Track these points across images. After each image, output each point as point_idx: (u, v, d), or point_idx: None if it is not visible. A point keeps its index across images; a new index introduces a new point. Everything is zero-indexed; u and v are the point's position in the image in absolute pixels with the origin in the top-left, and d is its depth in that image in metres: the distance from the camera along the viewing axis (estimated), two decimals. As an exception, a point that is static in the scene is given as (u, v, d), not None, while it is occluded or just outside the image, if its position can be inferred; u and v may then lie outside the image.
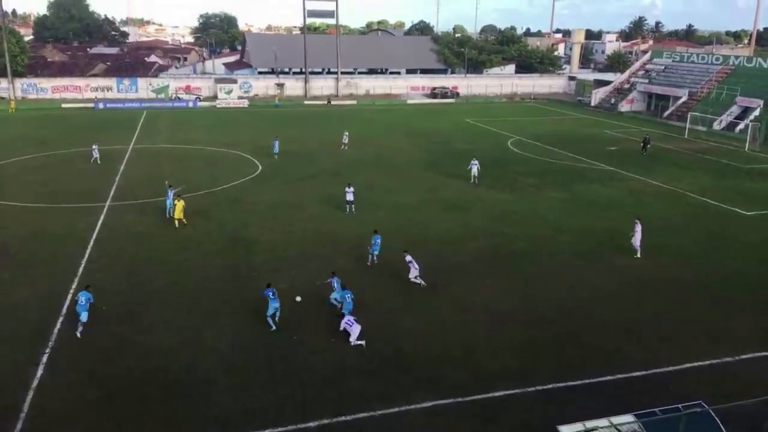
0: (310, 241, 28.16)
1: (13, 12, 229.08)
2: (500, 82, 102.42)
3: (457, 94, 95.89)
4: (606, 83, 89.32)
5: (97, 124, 61.46)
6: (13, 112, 69.17)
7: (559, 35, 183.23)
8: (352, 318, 18.89)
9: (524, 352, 18.89)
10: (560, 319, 20.97)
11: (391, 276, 23.72)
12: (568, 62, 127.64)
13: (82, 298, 19.30)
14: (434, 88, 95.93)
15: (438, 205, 34.42)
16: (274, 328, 19.61)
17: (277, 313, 19.72)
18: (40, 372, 17.06)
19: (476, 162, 39.80)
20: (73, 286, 22.49)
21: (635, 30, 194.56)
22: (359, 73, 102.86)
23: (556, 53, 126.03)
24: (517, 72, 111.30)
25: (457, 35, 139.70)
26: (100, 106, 75.83)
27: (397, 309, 21.59)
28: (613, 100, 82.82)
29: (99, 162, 42.71)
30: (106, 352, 18.27)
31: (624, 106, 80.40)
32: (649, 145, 50.96)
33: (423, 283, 22.94)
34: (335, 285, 20.98)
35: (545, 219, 32.29)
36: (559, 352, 18.91)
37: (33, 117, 66.64)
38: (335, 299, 20.88)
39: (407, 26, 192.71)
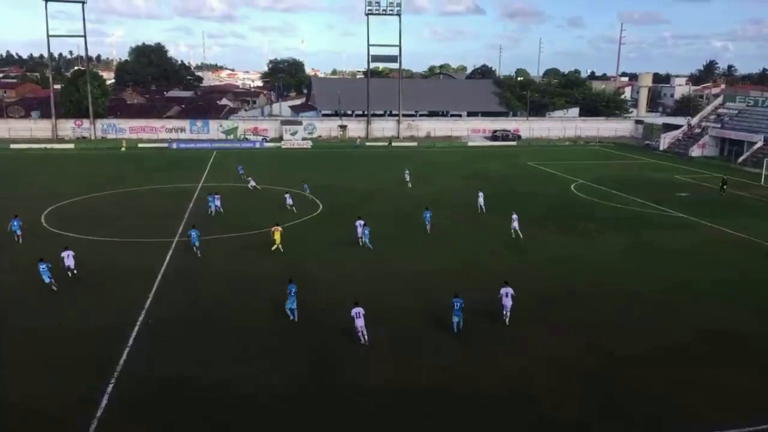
0: (368, 281, 28.21)
1: (98, 57, 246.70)
2: (563, 125, 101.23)
3: (519, 136, 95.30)
4: (675, 127, 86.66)
5: (170, 163, 64.54)
6: (124, 151, 74.00)
7: (626, 78, 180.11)
8: (359, 310, 21.35)
9: (586, 406, 17.99)
10: (624, 372, 19.92)
11: (444, 322, 23.29)
12: (635, 106, 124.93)
13: (193, 233, 31.00)
14: (495, 131, 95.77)
15: (497, 246, 33.91)
16: (292, 317, 23.03)
17: (294, 307, 23.12)
18: (104, 401, 17.56)
19: (481, 194, 43.24)
20: (140, 318, 23.27)
21: (706, 73, 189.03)
22: (420, 115, 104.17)
23: (622, 96, 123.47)
24: (581, 115, 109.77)
25: (519, 78, 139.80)
26: (174, 146, 79.74)
27: (450, 349, 21.19)
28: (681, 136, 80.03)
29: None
30: (166, 383, 18.69)
31: (695, 151, 77.56)
32: (726, 186, 49.41)
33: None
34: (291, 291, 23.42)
35: (609, 265, 31.18)
36: (621, 409, 17.90)
37: (115, 155, 70.76)
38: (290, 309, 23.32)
39: (469, 70, 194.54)
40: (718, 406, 17.96)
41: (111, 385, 18.41)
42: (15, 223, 34.13)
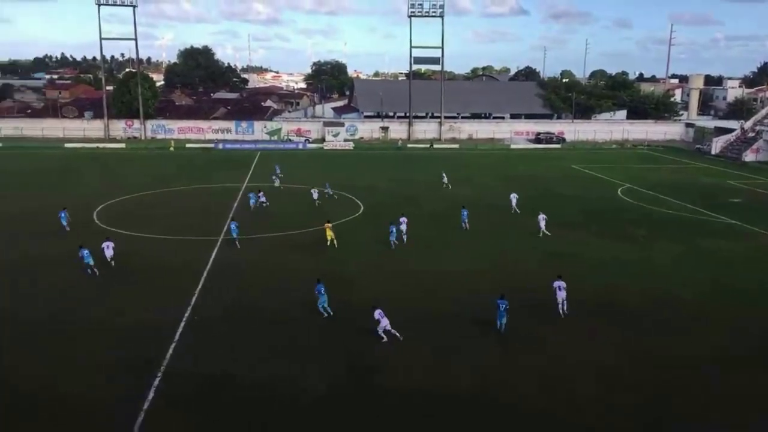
0: (405, 282, 28.15)
1: (148, 59, 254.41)
2: (610, 127, 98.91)
3: (563, 139, 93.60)
4: (728, 131, 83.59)
5: (216, 163, 65.90)
6: (172, 151, 75.91)
7: (675, 81, 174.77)
8: (380, 311, 21.63)
9: (630, 416, 17.47)
10: (674, 381, 19.26)
11: (484, 324, 23.03)
12: (685, 108, 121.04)
13: (233, 225, 32.97)
14: (539, 133, 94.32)
15: (538, 251, 33.36)
16: (326, 315, 23.50)
17: (326, 305, 23.68)
18: (151, 395, 18.01)
19: (514, 196, 43.42)
20: (186, 315, 23.80)
21: (760, 76, 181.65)
22: (462, 117, 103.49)
23: (672, 99, 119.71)
24: (628, 118, 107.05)
25: (564, 80, 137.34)
26: (220, 146, 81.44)
27: (491, 356, 20.94)
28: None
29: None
30: (210, 379, 19.04)
31: (748, 156, 74.64)
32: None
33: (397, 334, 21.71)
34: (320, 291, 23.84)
35: (657, 271, 30.29)
36: (667, 426, 17.31)
37: (177, 155, 72.75)
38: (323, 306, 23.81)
39: (512, 72, 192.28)
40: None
41: (158, 379, 18.88)
42: (63, 215, 36.30)
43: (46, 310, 24.25)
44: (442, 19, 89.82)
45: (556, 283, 24.28)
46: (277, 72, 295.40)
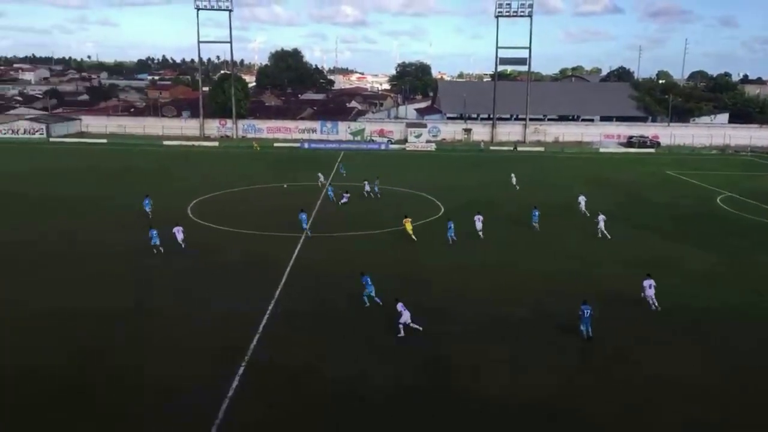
0: (483, 283, 27.84)
1: (241, 62, 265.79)
2: (710, 132, 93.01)
3: (658, 143, 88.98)
4: None
5: (302, 162, 67.80)
6: (257, 151, 79.10)
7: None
8: (401, 304, 22.24)
9: (730, 441, 16.33)
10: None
11: (565, 330, 22.29)
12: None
13: (302, 216, 35.19)
14: (631, 137, 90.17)
15: (623, 259, 31.87)
16: (367, 305, 24.41)
17: (372, 295, 24.52)
18: (235, 383, 18.78)
19: (583, 198, 42.42)
20: (270, 308, 24.63)
21: None
22: (549, 119, 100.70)
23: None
24: (730, 122, 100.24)
25: (660, 81, 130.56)
26: (305, 146, 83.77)
27: (572, 365, 20.28)
28: None
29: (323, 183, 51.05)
30: (291, 372, 19.59)
31: None
32: None
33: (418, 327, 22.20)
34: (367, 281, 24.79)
35: (758, 285, 28.09)
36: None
37: (259, 155, 75.75)
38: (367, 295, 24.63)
39: (604, 72, 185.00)
40: None
41: (242, 368, 19.65)
42: (147, 201, 39.72)
43: (134, 297, 25.79)
44: (531, 19, 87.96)
45: (646, 282, 24.85)
46: (362, 73, 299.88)
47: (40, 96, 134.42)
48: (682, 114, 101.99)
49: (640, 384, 19.17)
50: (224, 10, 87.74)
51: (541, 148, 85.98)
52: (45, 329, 22.27)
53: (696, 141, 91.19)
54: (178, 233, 32.46)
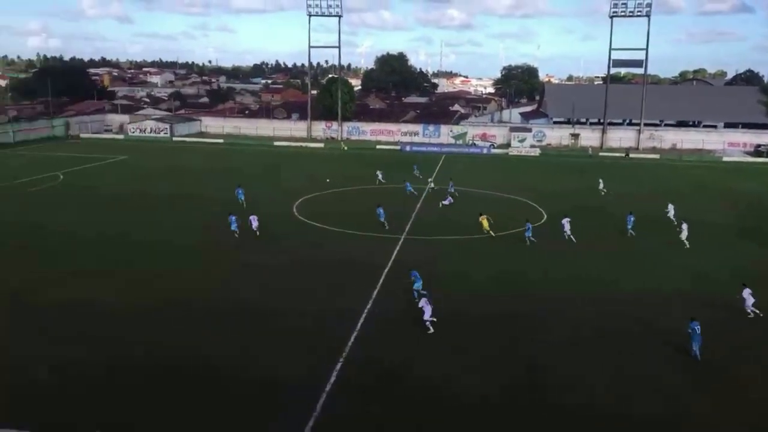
0: (584, 293, 26.80)
1: (348, 65, 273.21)
2: None
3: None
4: None
5: (403, 164, 68.32)
6: (344, 151, 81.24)
7: None
8: (425, 300, 22.88)
9: None
10: None
11: (673, 346, 20.88)
12: None
13: (380, 210, 37.69)
14: (759, 145, 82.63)
15: (747, 277, 29.21)
16: (416, 298, 24.38)
17: (420, 289, 24.86)
18: (332, 378, 19.31)
19: (671, 206, 40.70)
20: (367, 307, 25.09)
21: None
22: (665, 125, 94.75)
23: None
24: None
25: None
26: (407, 148, 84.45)
27: (679, 386, 19.06)
28: None
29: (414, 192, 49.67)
30: (386, 371, 19.86)
31: None
32: None
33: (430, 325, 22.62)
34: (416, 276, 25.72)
35: None
36: None
37: (354, 155, 77.60)
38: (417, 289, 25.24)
39: (730, 75, 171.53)
40: None
41: (339, 364, 20.17)
42: (240, 191, 43.16)
43: (238, 291, 27.18)
44: (648, 19, 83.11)
45: (746, 291, 24.54)
46: (467, 77, 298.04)
47: (165, 98, 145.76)
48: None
49: (757, 413, 17.56)
50: (334, 16, 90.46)
51: (657, 156, 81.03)
52: (149, 322, 24.02)
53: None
54: (254, 221, 35.36)
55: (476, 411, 17.75)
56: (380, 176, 55.43)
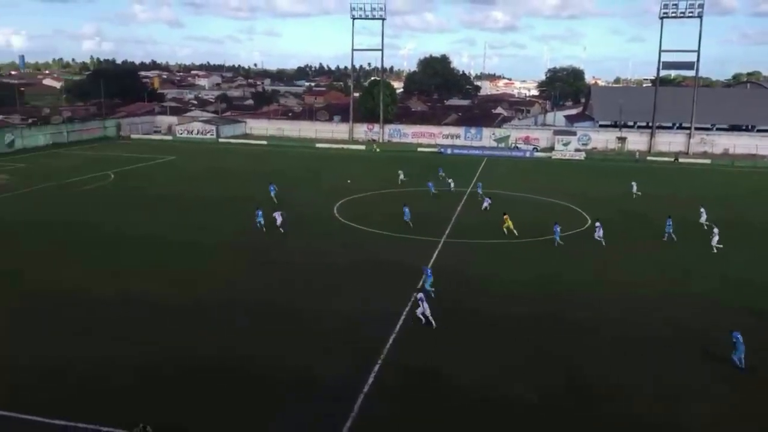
0: (623, 300, 26.37)
1: (390, 68, 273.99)
2: None
3: None
4: None
5: (444, 167, 68.06)
6: (377, 152, 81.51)
7: None
8: (423, 296, 23.71)
9: None
10: None
11: (716, 358, 20.22)
12: None
13: (406, 209, 38.23)
14: (818, 151, 79.11)
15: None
16: (433, 296, 25.08)
17: (428, 287, 25.73)
18: (370, 380, 19.42)
19: (703, 210, 40.18)
20: (406, 309, 25.11)
21: None
22: (717, 129, 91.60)
23: None
24: None
25: None
26: (448, 151, 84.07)
27: (720, 396, 18.56)
28: None
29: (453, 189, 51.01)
30: (423, 376, 19.84)
31: None
32: None
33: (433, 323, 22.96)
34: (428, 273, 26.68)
35: None
36: None
37: (389, 157, 77.76)
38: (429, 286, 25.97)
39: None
40: None
41: (377, 366, 20.26)
42: (272, 188, 45.34)
43: (281, 292, 27.59)
44: (701, 20, 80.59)
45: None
46: (510, 79, 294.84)
47: (212, 100, 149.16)
48: None
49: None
50: (378, 19, 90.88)
51: (707, 160, 78.46)
52: (200, 318, 24.65)
53: None
54: (278, 217, 36.71)
55: (515, 414, 17.59)
56: (402, 175, 55.85)
